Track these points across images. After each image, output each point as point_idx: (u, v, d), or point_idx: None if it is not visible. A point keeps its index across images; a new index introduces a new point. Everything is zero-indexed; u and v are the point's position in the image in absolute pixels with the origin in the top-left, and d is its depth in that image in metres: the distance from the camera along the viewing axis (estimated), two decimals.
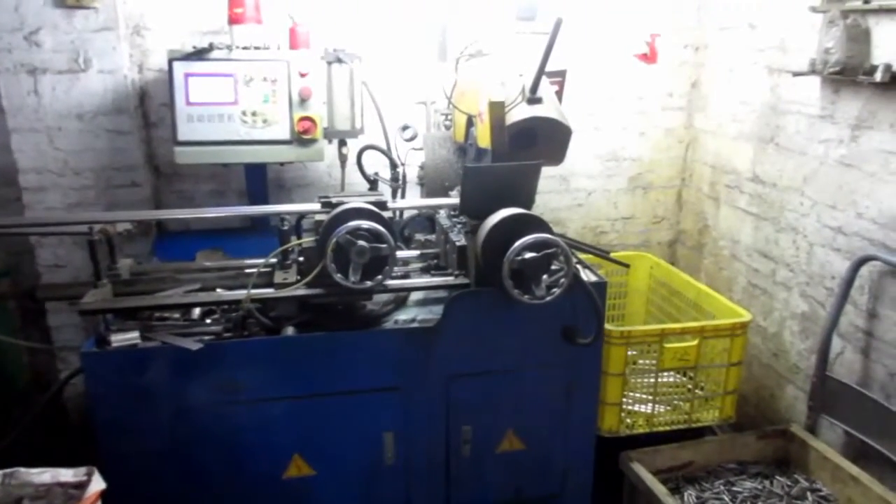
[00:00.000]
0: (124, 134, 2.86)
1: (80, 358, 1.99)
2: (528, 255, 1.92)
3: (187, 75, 2.54)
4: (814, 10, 2.53)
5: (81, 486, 1.79)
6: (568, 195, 3.52)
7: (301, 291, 2.09)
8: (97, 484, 1.76)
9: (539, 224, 1.97)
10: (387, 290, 2.15)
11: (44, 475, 1.79)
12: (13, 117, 2.76)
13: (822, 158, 2.63)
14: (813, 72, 2.50)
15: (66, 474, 1.81)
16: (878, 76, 2.23)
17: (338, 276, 1.96)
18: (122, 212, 2.54)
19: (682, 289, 2.95)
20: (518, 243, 1.89)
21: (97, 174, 2.86)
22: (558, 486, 2.45)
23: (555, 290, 1.98)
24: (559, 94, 2.63)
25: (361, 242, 1.95)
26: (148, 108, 2.99)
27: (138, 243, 2.82)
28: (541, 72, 2.12)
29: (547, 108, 2.18)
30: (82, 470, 1.82)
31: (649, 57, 3.38)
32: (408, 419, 2.22)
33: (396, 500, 2.29)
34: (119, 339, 1.98)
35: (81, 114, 2.80)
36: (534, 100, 2.18)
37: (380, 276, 2.00)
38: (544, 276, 2.01)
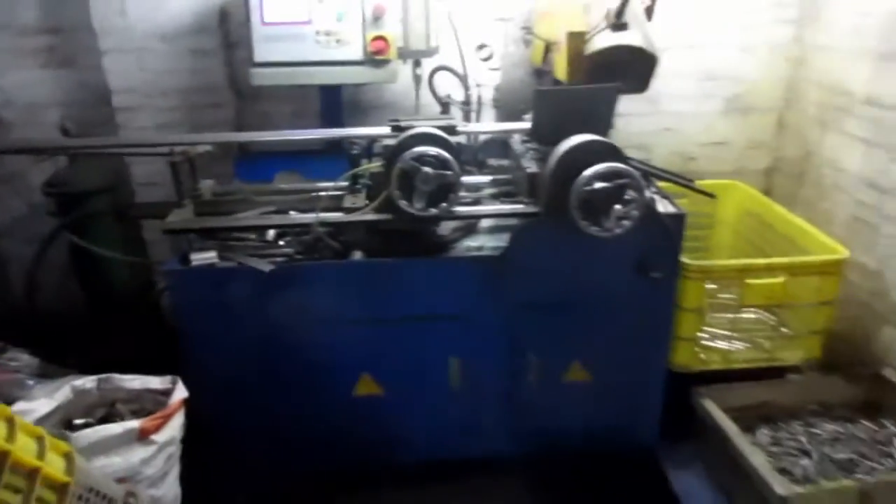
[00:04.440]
0: (206, 55, 2.91)
1: (164, 275, 2.12)
2: (599, 184, 1.83)
3: None
4: None
5: (167, 392, 1.94)
6: (655, 118, 3.29)
7: (368, 216, 2.10)
8: (181, 392, 1.91)
9: (612, 152, 1.86)
10: (453, 216, 2.13)
11: (134, 381, 1.96)
12: (104, 38, 2.86)
13: None
14: None
15: (154, 381, 1.97)
16: None
17: (402, 203, 1.95)
18: (198, 134, 2.60)
19: (775, 221, 2.75)
20: (587, 172, 1.81)
21: (182, 95, 2.95)
22: (627, 420, 2.43)
23: (625, 222, 1.89)
24: (650, 10, 2.43)
25: (426, 169, 1.92)
26: (229, 28, 3.00)
27: (221, 164, 2.91)
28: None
29: (633, 36, 2.02)
30: (168, 378, 1.98)
31: None
32: (474, 346, 2.24)
33: (463, 424, 2.35)
34: (198, 258, 2.08)
35: (165, 34, 2.86)
36: (619, 25, 2.02)
37: (444, 204, 1.98)
38: (617, 207, 1.92)
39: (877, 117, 2.68)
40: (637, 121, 3.28)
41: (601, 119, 2.03)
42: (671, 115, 3.30)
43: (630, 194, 1.89)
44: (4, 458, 1.14)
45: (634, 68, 2.08)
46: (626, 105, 3.03)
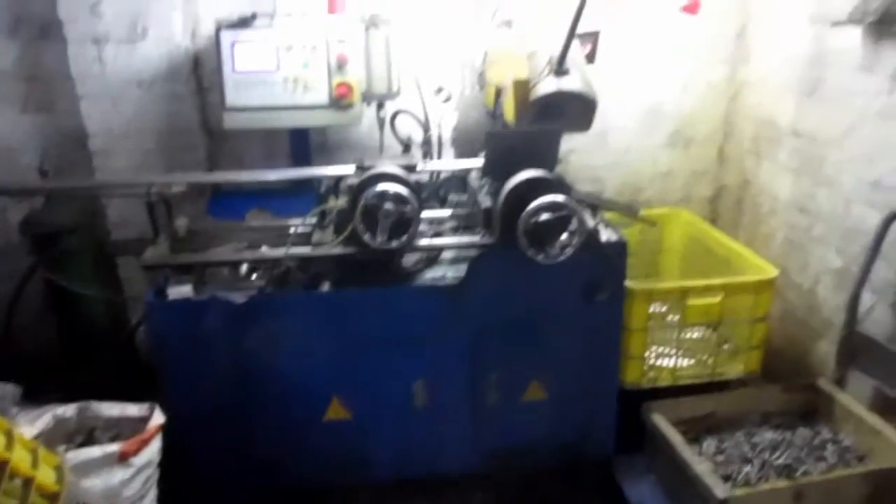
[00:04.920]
0: (179, 99, 3.05)
1: (144, 307, 2.24)
2: (544, 216, 2.01)
3: (233, 43, 2.69)
4: None
5: (145, 419, 2.05)
6: (606, 152, 3.51)
7: (336, 250, 2.26)
8: (157, 418, 2.02)
9: (555, 186, 2.05)
10: (413, 248, 2.29)
11: (113, 409, 2.07)
12: (81, 84, 2.98)
13: (862, 111, 2.57)
14: (851, 21, 2.44)
15: (132, 409, 2.08)
16: None
17: (366, 237, 2.11)
18: (172, 175, 2.74)
19: (714, 245, 2.97)
20: (531, 206, 1.99)
21: (157, 137, 3.08)
22: (583, 435, 2.58)
23: (567, 249, 2.07)
24: (591, 54, 2.66)
25: (387, 205, 2.09)
26: (201, 74, 3.15)
27: (195, 202, 3.04)
28: (566, 48, 2.17)
29: (573, 81, 2.23)
30: (146, 406, 2.09)
31: (692, 7, 3.32)
32: (437, 368, 2.38)
33: (427, 443, 2.48)
34: (174, 291, 2.21)
35: (141, 80, 3.00)
36: (561, 72, 2.24)
37: (405, 237, 2.14)
38: (564, 236, 2.11)
39: (801, 148, 2.93)
40: (590, 155, 3.50)
41: (547, 156, 2.22)
42: (620, 149, 3.52)
43: (573, 224, 2.07)
44: (4, 465, 1.26)
45: (576, 110, 2.29)
46: (579, 141, 3.27)
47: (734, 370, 2.71)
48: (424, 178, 2.78)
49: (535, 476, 2.55)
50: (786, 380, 2.90)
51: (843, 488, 2.21)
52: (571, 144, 3.32)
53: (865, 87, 2.54)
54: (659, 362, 2.69)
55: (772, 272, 2.63)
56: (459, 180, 2.86)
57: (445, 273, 2.41)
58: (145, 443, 1.92)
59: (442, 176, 2.88)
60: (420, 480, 2.50)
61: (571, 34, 2.18)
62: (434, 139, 2.97)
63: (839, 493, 2.21)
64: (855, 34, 2.55)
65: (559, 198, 2.01)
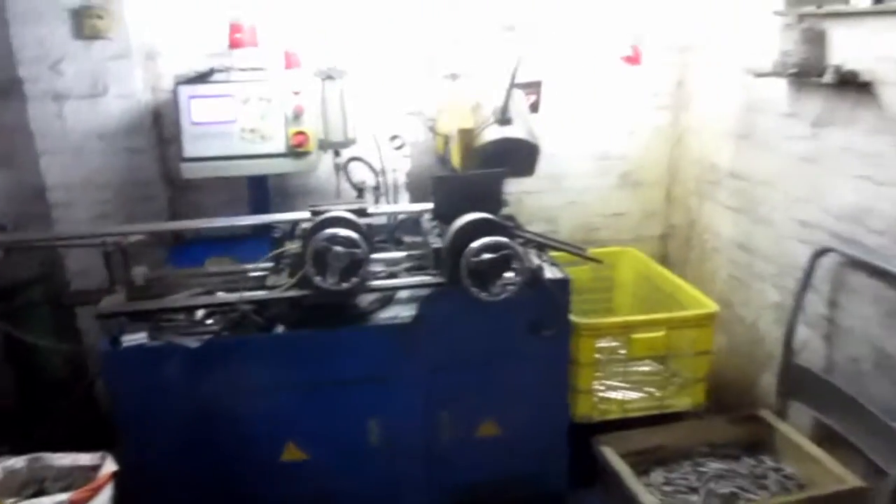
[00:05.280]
0: (140, 152, 3.12)
1: (99, 356, 2.26)
2: (486, 255, 2.11)
3: (191, 97, 2.79)
4: (776, 13, 2.65)
5: (97, 468, 2.06)
6: (560, 194, 3.65)
7: (289, 293, 2.31)
8: (109, 466, 2.03)
9: (496, 227, 2.15)
10: (365, 289, 2.36)
11: (64, 459, 2.07)
12: (42, 140, 3.04)
13: (789, 154, 2.74)
14: (775, 73, 2.62)
15: (84, 458, 2.09)
16: (826, 78, 2.34)
17: (317, 279, 2.18)
18: (129, 225, 2.78)
19: (660, 282, 3.09)
20: (472, 246, 2.09)
21: (117, 189, 3.14)
22: (537, 469, 2.62)
23: (510, 287, 2.16)
24: (535, 104, 2.81)
25: (337, 248, 2.17)
26: (162, 127, 3.24)
27: (154, 251, 3.08)
28: (507, 98, 2.31)
29: (516, 129, 2.37)
30: (98, 455, 2.10)
31: (634, 59, 3.51)
32: (391, 406, 2.43)
33: (383, 481, 2.50)
34: (129, 339, 2.24)
35: (102, 134, 3.07)
36: (504, 121, 2.37)
37: (355, 279, 2.21)
38: (509, 274, 2.20)
39: (739, 189, 3.09)
40: (544, 196, 3.63)
41: (492, 199, 2.33)
42: (573, 191, 3.67)
43: (515, 263, 2.17)
44: None
45: (520, 156, 2.42)
46: (534, 183, 3.40)
47: (682, 403, 2.80)
48: (382, 220, 2.87)
49: None
50: (734, 411, 2.99)
51: None
52: (525, 186, 3.45)
53: (791, 132, 2.71)
54: (609, 395, 2.76)
55: (712, 307, 2.74)
56: (414, 222, 2.96)
57: (399, 312, 2.47)
58: (96, 491, 1.92)
59: (399, 218, 2.97)
60: None
61: (511, 85, 2.32)
62: (389, 184, 3.08)
63: None
64: (781, 84, 2.73)
65: (499, 238, 2.11)
